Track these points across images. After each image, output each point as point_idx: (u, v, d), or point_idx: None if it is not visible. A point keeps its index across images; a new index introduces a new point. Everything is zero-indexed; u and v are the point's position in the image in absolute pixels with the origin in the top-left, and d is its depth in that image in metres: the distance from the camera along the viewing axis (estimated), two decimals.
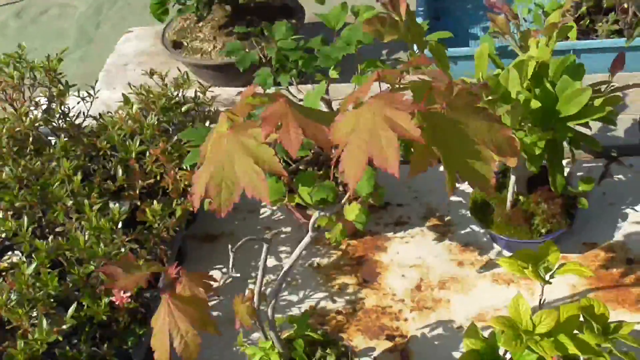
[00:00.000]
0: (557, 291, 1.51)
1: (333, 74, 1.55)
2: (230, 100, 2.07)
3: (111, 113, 1.75)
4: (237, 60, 1.57)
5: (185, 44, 2.25)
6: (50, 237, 1.37)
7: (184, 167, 1.51)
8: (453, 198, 1.79)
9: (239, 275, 1.65)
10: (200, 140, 1.55)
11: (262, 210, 1.83)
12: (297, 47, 1.56)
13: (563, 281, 1.53)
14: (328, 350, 1.32)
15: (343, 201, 1.03)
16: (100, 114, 1.77)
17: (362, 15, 1.71)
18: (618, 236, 1.62)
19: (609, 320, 1.21)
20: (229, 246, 1.06)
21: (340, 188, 1.56)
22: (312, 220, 1.09)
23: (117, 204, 1.38)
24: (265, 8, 2.33)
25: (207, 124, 1.66)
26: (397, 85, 0.91)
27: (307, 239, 1.13)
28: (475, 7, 2.52)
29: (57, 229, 1.40)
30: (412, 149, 0.81)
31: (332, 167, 0.86)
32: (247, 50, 1.63)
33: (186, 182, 1.50)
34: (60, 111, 1.69)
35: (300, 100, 1.52)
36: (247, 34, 1.69)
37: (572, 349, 1.15)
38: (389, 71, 0.88)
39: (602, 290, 1.52)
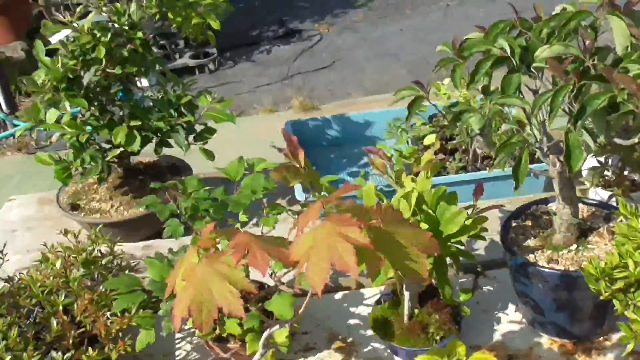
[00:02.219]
0: None
1: (243, 217, 1.75)
2: (130, 254, 2.20)
3: (22, 274, 1.81)
4: (158, 211, 1.73)
5: (82, 205, 2.36)
6: None
7: (115, 313, 1.61)
8: (351, 321, 1.99)
9: None
10: (125, 287, 1.67)
11: (177, 353, 1.92)
12: (208, 197, 1.76)
13: None
14: None
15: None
16: (9, 276, 1.82)
17: (257, 166, 1.95)
18: (497, 337, 1.88)
19: None
20: None
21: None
22: (264, 336, 1.25)
23: (59, 353, 1.44)
24: (154, 168, 2.52)
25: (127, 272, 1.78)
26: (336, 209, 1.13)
27: (258, 355, 1.28)
28: (338, 157, 2.87)
29: None
30: (365, 256, 1.03)
31: (296, 279, 1.05)
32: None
33: (117, 327, 1.59)
34: None
35: None
36: (155, 188, 1.86)
37: None
38: (327, 200, 1.11)
39: None
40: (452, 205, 1.63)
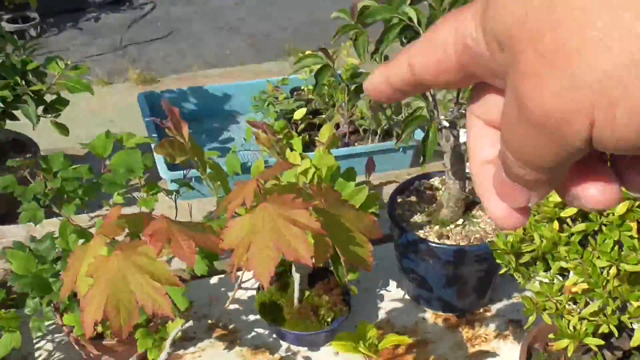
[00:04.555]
0: None
1: (118, 199, 1.56)
2: None
3: None
4: (19, 194, 1.48)
5: None
6: None
7: None
8: (232, 307, 1.87)
9: None
10: None
11: (37, 354, 1.68)
12: (76, 177, 1.54)
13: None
14: None
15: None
16: None
17: (127, 141, 1.75)
18: (382, 315, 1.86)
19: None
20: None
21: None
22: (172, 335, 1.10)
23: None
24: None
25: None
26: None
27: (164, 355, 1.13)
28: (197, 132, 2.70)
29: None
30: (313, 241, 0.91)
31: (234, 271, 0.91)
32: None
33: None
34: None
35: (91, 227, 1.49)
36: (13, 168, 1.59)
37: None
38: (265, 176, 0.98)
39: None
40: (350, 181, 1.56)
